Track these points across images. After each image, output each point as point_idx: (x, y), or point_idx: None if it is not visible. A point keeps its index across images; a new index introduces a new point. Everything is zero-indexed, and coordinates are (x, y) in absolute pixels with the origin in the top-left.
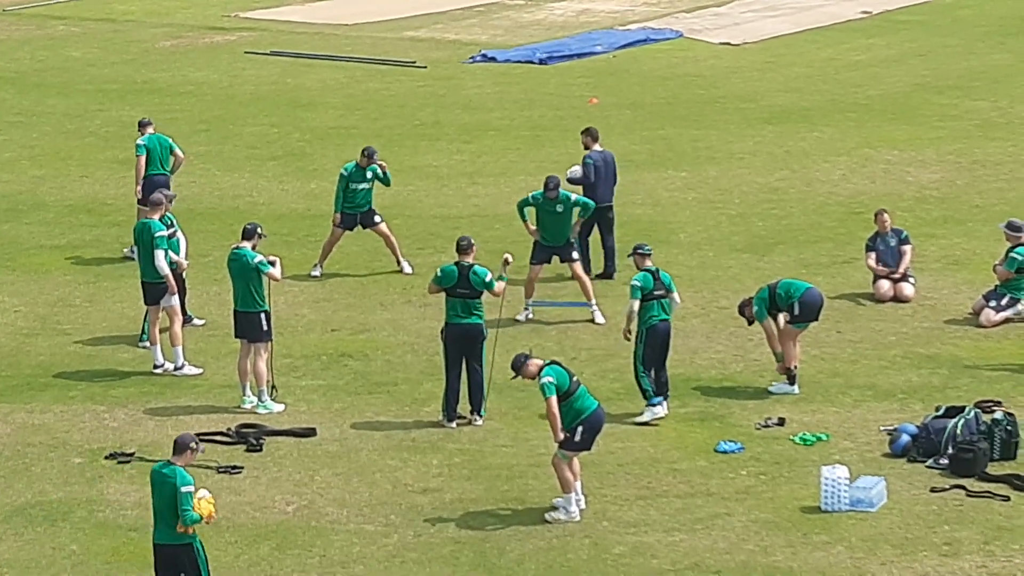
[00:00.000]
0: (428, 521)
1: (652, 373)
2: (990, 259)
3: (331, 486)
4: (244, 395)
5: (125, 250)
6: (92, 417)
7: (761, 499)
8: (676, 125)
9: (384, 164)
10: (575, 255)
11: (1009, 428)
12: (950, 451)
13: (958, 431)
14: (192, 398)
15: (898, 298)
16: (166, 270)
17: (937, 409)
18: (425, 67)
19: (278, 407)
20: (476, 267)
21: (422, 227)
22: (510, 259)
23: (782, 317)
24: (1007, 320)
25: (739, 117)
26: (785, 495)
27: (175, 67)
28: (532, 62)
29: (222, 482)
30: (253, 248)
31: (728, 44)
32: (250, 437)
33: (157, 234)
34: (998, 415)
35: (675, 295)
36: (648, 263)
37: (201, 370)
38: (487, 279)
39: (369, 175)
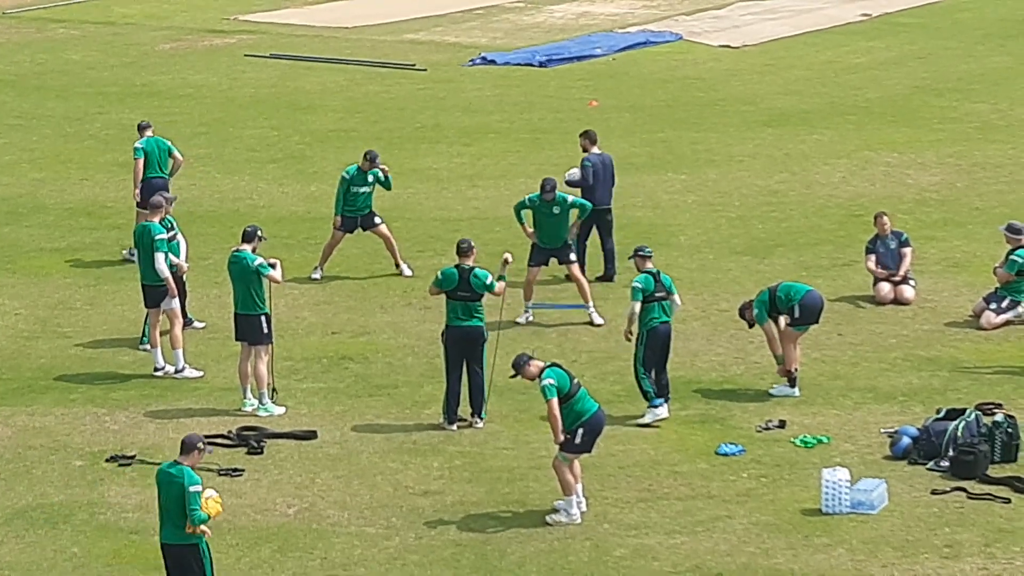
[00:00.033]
0: (429, 524)
1: (652, 375)
2: (990, 262)
3: (332, 489)
4: (245, 398)
5: (124, 252)
6: (93, 420)
7: (762, 501)
8: (676, 128)
9: (386, 168)
10: (573, 257)
11: (1010, 430)
12: (951, 453)
13: (959, 433)
14: (193, 401)
15: (898, 300)
16: (166, 273)
17: (938, 411)
18: (425, 70)
19: (279, 410)
20: (477, 270)
21: (422, 230)
22: (510, 259)
23: (782, 320)
24: (1007, 322)
25: (739, 120)
26: (786, 497)
27: (175, 70)
28: (532, 65)
29: (223, 485)
30: (253, 251)
31: (727, 47)
32: (251, 440)
33: (157, 237)
34: (999, 417)
35: (676, 297)
36: (649, 265)
37: (202, 373)
38: (488, 281)
39: (370, 179)
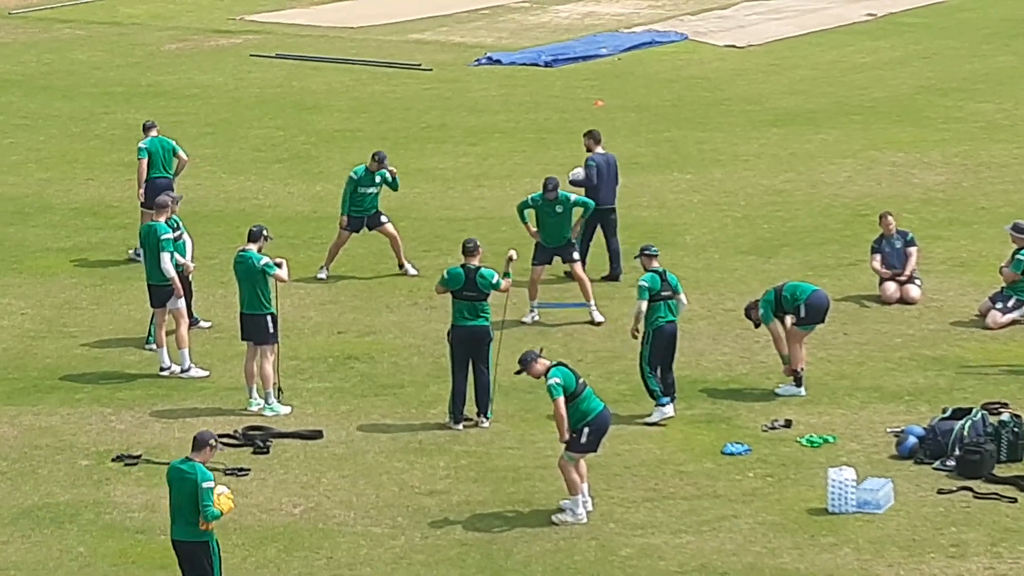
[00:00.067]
0: (435, 523)
1: (658, 374)
2: (996, 261)
3: (338, 488)
4: (251, 397)
5: (130, 252)
6: (99, 419)
7: (768, 501)
8: (681, 127)
9: (394, 170)
10: (576, 255)
11: (1016, 430)
12: (957, 453)
13: (965, 433)
14: (199, 400)
15: (904, 300)
16: (172, 273)
17: (944, 411)
18: (431, 70)
19: (284, 409)
20: (483, 269)
21: (428, 229)
22: (514, 256)
23: (788, 319)
24: (1013, 322)
25: (744, 119)
26: (792, 497)
27: (181, 70)
28: (537, 65)
29: (229, 484)
30: (259, 251)
31: (733, 47)
32: (257, 439)
33: (163, 237)
34: (1005, 417)
35: (682, 296)
36: (655, 264)
37: (208, 372)
38: (494, 280)
39: (378, 180)
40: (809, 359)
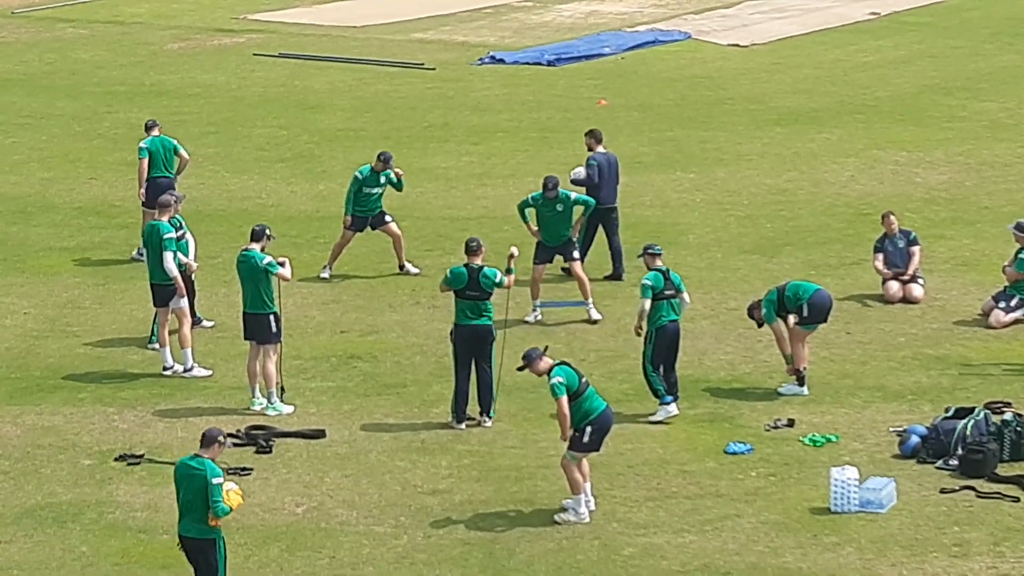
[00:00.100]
0: (437, 522)
1: (661, 372)
2: (999, 260)
3: (340, 488)
4: (253, 397)
5: (134, 252)
6: (102, 419)
7: (771, 500)
8: (684, 126)
9: (400, 172)
10: (576, 254)
11: (1019, 429)
12: (960, 452)
13: (968, 432)
14: (201, 400)
15: (907, 299)
16: (175, 272)
17: (947, 410)
18: (434, 69)
19: (287, 409)
20: (486, 269)
21: (431, 229)
22: (515, 252)
23: (791, 319)
24: (1016, 321)
25: (747, 119)
26: (795, 496)
27: (183, 69)
28: (540, 64)
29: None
30: (262, 250)
31: (736, 46)
32: (260, 439)
33: (165, 236)
34: (1008, 416)
35: (685, 295)
36: (658, 263)
37: (210, 372)
38: (497, 279)
39: (383, 180)
40: (812, 358)
